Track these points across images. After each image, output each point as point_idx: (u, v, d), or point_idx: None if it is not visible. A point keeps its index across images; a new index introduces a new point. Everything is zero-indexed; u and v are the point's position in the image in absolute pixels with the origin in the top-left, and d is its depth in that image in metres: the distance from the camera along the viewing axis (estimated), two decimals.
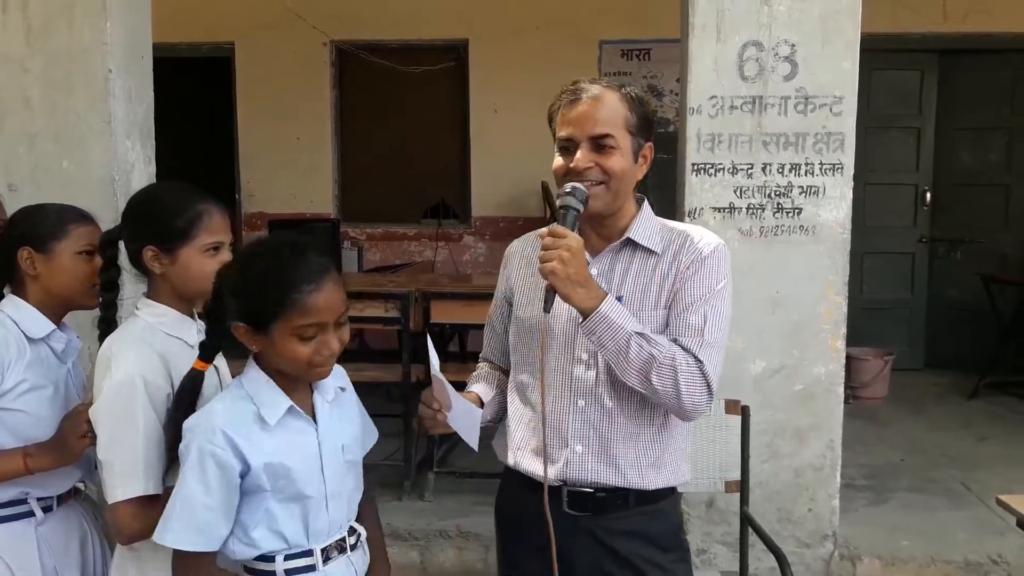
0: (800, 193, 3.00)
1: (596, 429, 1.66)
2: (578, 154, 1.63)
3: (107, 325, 1.76)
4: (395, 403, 3.98)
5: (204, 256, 1.65)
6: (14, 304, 1.85)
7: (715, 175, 2.99)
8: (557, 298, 1.59)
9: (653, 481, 1.69)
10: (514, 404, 1.78)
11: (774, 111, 2.97)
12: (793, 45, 2.93)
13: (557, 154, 1.69)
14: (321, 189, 6.31)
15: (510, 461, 1.76)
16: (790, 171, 2.99)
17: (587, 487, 1.67)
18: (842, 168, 2.97)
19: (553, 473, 1.66)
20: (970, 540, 3.31)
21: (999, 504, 2.29)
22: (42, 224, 1.88)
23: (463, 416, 1.66)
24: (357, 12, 5.98)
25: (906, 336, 6.00)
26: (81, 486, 1.94)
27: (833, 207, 2.99)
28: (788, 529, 3.05)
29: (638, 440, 1.67)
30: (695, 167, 2.97)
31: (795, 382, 3.05)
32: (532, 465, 1.70)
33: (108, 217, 3.14)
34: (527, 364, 1.75)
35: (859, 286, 5.81)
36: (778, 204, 3.01)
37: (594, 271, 1.67)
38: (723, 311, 1.65)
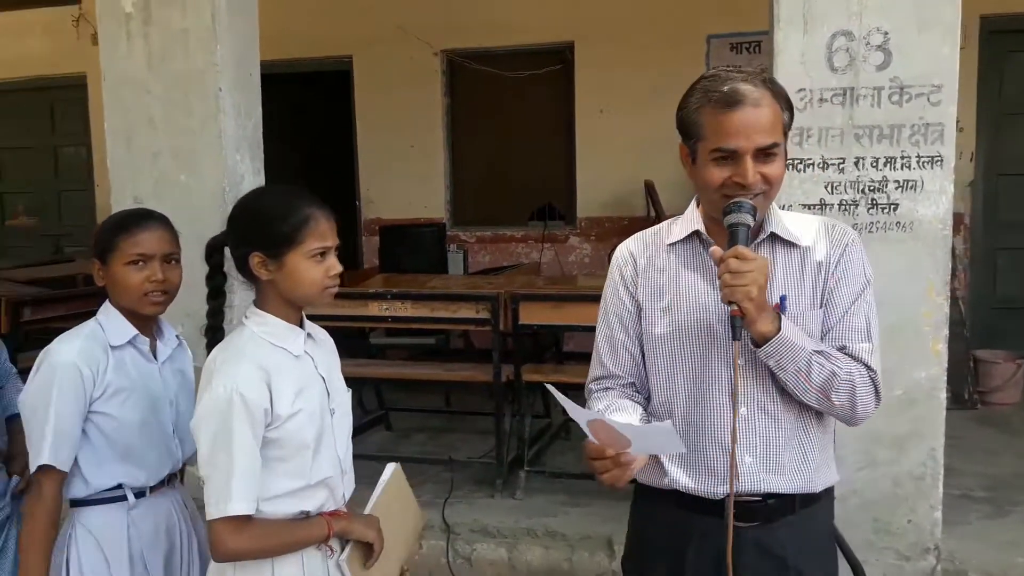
0: (896, 188, 2.85)
1: (763, 437, 1.60)
2: (747, 168, 1.51)
3: (214, 333, 1.76)
4: (490, 401, 4.07)
5: (311, 261, 1.62)
6: (106, 311, 1.94)
7: (804, 171, 2.89)
8: (692, 303, 1.59)
9: (818, 483, 1.65)
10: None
11: (867, 102, 2.84)
12: (886, 33, 2.79)
13: (710, 164, 1.54)
14: (434, 195, 6.51)
15: (667, 482, 1.64)
16: (885, 165, 2.85)
17: (757, 496, 1.60)
18: (941, 161, 2.80)
19: (724, 488, 1.58)
20: None
21: None
22: (101, 235, 1.92)
23: (650, 436, 1.50)
24: (463, 21, 6.13)
25: None
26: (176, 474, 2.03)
27: (932, 202, 2.82)
28: (885, 540, 2.90)
29: (802, 444, 1.63)
30: None
31: (894, 387, 2.88)
32: (700, 484, 1.62)
33: (219, 228, 3.45)
34: (671, 383, 1.66)
35: (992, 285, 5.41)
36: (872, 200, 2.87)
37: None
38: (874, 304, 1.62)
